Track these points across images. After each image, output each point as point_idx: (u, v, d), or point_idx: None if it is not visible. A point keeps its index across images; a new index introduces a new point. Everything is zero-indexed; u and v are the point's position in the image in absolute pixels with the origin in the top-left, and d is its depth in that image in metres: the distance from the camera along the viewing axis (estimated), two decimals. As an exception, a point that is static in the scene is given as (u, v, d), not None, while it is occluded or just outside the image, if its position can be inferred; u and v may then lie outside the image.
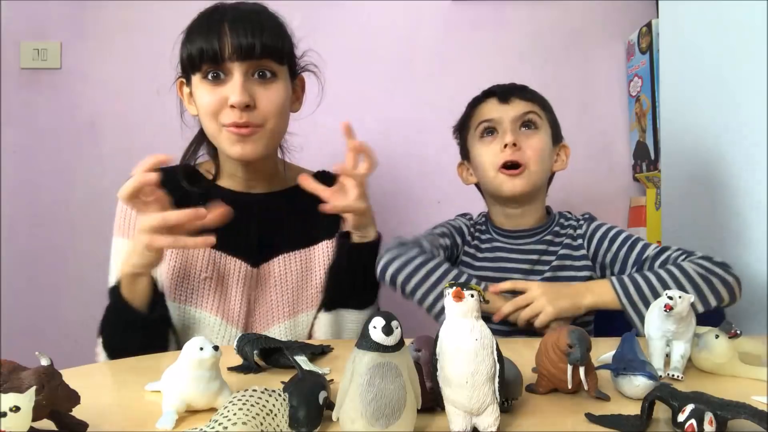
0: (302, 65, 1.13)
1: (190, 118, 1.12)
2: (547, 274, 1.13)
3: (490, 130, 1.15)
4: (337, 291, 1.05)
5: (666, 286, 0.96)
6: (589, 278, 1.12)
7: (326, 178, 1.16)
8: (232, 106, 0.96)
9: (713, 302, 0.96)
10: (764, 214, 1.14)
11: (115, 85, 1.74)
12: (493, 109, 1.15)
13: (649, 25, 1.64)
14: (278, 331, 1.06)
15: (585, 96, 1.79)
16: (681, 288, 0.96)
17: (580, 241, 1.16)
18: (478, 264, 1.18)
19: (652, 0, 1.66)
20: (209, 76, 0.98)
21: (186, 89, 1.07)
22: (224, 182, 1.11)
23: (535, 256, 1.15)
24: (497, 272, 1.15)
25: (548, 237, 1.17)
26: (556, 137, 1.20)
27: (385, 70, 1.77)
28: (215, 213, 0.88)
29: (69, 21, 1.73)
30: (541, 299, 0.98)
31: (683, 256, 1.03)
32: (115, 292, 0.95)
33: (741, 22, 1.21)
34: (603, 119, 1.80)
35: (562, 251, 1.15)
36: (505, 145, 1.11)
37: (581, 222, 1.18)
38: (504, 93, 1.16)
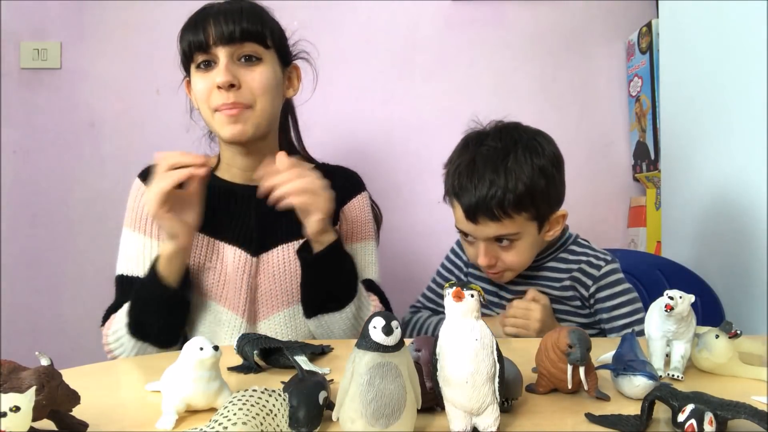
0: (294, 53, 1.16)
1: (198, 117, 1.14)
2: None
3: (469, 236, 1.09)
4: (312, 302, 1.04)
5: None
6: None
7: (322, 172, 1.15)
8: (219, 88, 1.01)
9: None
10: (764, 214, 1.14)
11: (115, 85, 1.74)
12: (462, 221, 1.06)
13: (649, 25, 1.64)
14: (279, 319, 1.08)
15: (585, 96, 1.79)
16: None
17: (584, 303, 1.11)
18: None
19: (652, 0, 1.66)
20: (201, 65, 1.04)
21: (191, 87, 1.11)
22: (224, 174, 1.13)
23: (539, 279, 1.13)
24: (505, 291, 1.16)
25: (551, 264, 1.13)
26: (545, 220, 1.07)
27: (385, 69, 1.77)
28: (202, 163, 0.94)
29: (69, 21, 1.73)
30: (535, 324, 1.01)
31: None
32: (151, 270, 0.98)
33: (741, 22, 1.21)
34: (603, 119, 1.80)
35: (557, 293, 1.11)
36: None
37: (593, 285, 1.09)
38: (471, 211, 1.03)
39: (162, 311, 0.99)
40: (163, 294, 0.98)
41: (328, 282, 1.03)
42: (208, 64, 1.04)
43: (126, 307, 1.00)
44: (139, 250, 1.08)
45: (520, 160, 1.03)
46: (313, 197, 0.95)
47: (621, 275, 1.11)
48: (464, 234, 1.10)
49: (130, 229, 1.10)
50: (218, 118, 1.04)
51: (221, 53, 1.02)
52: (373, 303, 1.08)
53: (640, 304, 1.09)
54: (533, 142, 1.06)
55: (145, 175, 1.12)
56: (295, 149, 1.24)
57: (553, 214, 1.08)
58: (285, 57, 1.12)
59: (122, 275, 1.08)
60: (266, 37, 1.05)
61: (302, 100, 1.21)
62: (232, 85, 1.01)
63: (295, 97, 1.18)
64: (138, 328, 0.98)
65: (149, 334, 0.98)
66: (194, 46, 1.03)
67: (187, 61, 1.07)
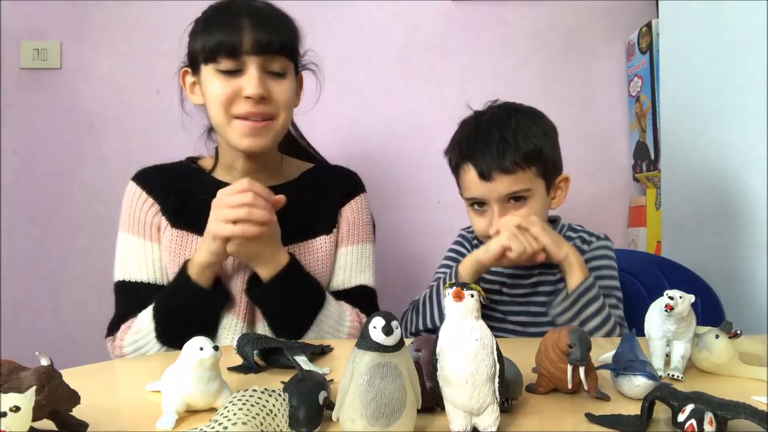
0: (303, 63, 1.14)
1: (190, 107, 1.12)
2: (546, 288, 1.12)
3: (479, 203, 1.11)
4: (272, 328, 1.03)
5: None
6: None
7: (321, 172, 1.19)
8: (247, 98, 0.98)
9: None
10: (764, 214, 1.14)
11: (114, 85, 1.74)
12: (475, 185, 1.08)
13: (649, 25, 1.64)
14: None
15: (585, 96, 1.79)
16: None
17: None
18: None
19: (652, 0, 1.66)
20: (224, 68, 0.99)
21: (190, 78, 1.07)
22: (223, 176, 1.11)
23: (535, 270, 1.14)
24: (509, 277, 1.15)
25: None
26: (551, 181, 1.11)
27: (385, 69, 1.77)
28: (278, 199, 0.97)
29: (69, 21, 1.73)
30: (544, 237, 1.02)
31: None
32: (182, 276, 0.97)
33: (741, 22, 1.21)
34: (603, 119, 1.80)
35: (555, 278, 1.11)
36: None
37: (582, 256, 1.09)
38: (485, 167, 1.05)
39: (201, 317, 0.98)
40: (200, 301, 0.97)
41: (279, 314, 1.01)
42: (233, 68, 0.99)
43: (147, 316, 0.98)
44: (140, 255, 1.06)
45: (522, 120, 1.09)
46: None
47: (611, 252, 1.13)
48: (476, 204, 1.11)
49: (128, 233, 1.07)
50: (237, 128, 1.01)
51: (252, 62, 0.98)
52: (349, 318, 1.05)
53: (617, 283, 1.11)
54: (532, 110, 1.13)
55: (140, 177, 1.10)
56: (292, 149, 1.22)
57: (557, 177, 1.12)
58: (298, 68, 1.10)
59: (123, 281, 1.06)
60: (297, 52, 1.04)
61: (305, 108, 1.19)
62: (262, 98, 0.99)
63: (301, 104, 1.16)
64: (172, 336, 0.96)
65: (183, 338, 0.97)
66: (224, 49, 0.97)
67: (204, 58, 1.00)
